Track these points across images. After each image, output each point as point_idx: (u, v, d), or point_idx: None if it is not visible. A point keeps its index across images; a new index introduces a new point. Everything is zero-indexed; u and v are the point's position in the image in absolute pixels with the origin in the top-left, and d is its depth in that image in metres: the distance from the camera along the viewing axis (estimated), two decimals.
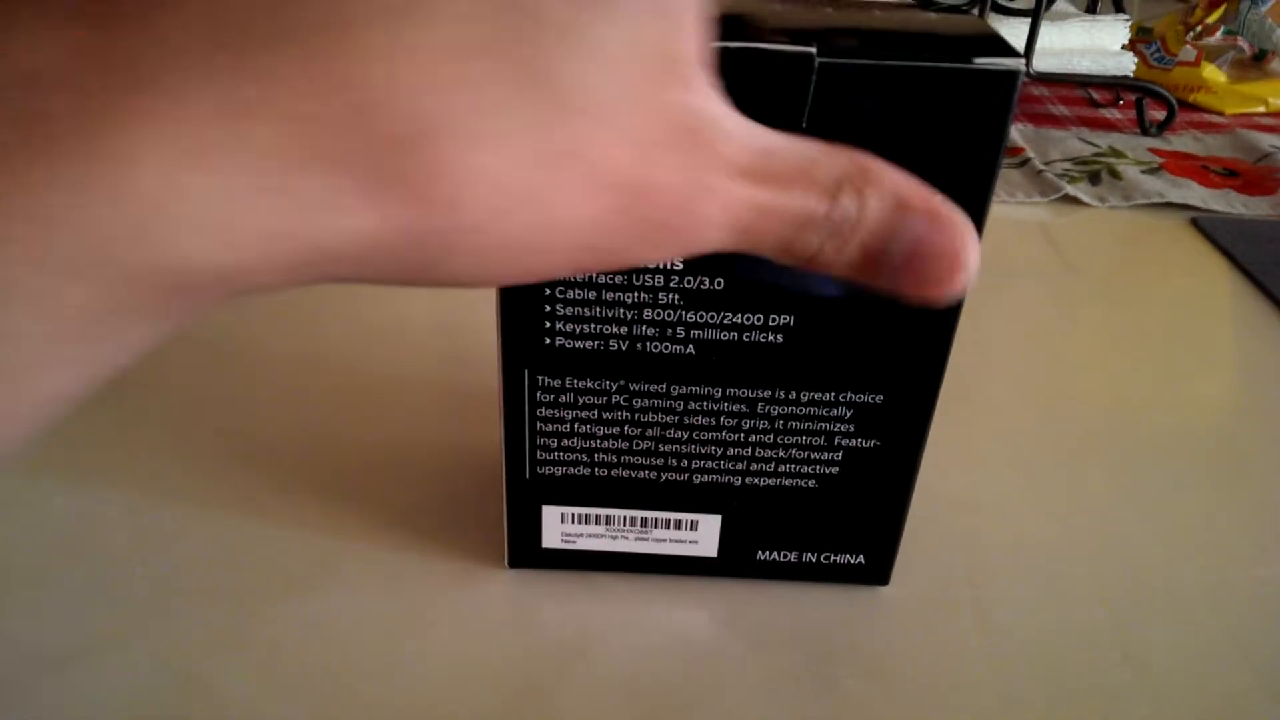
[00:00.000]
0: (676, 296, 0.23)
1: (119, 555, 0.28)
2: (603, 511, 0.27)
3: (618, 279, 0.23)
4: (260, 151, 0.12)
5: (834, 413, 0.25)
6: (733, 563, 0.28)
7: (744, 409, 0.25)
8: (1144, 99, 0.66)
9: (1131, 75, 0.66)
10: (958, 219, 0.16)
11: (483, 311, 0.40)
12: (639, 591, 0.28)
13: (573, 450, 0.26)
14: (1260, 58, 0.76)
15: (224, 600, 0.27)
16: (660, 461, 0.26)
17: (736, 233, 0.15)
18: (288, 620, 0.26)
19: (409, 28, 0.12)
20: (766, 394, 0.25)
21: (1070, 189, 0.55)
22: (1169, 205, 0.55)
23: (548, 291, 0.23)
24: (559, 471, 0.26)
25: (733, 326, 0.24)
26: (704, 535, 0.27)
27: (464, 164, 0.13)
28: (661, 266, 0.23)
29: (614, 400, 0.25)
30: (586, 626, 0.27)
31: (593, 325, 0.24)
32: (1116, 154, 0.61)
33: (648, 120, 0.14)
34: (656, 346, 0.24)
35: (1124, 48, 0.67)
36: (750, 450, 0.26)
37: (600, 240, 0.15)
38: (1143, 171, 0.58)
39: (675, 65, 0.14)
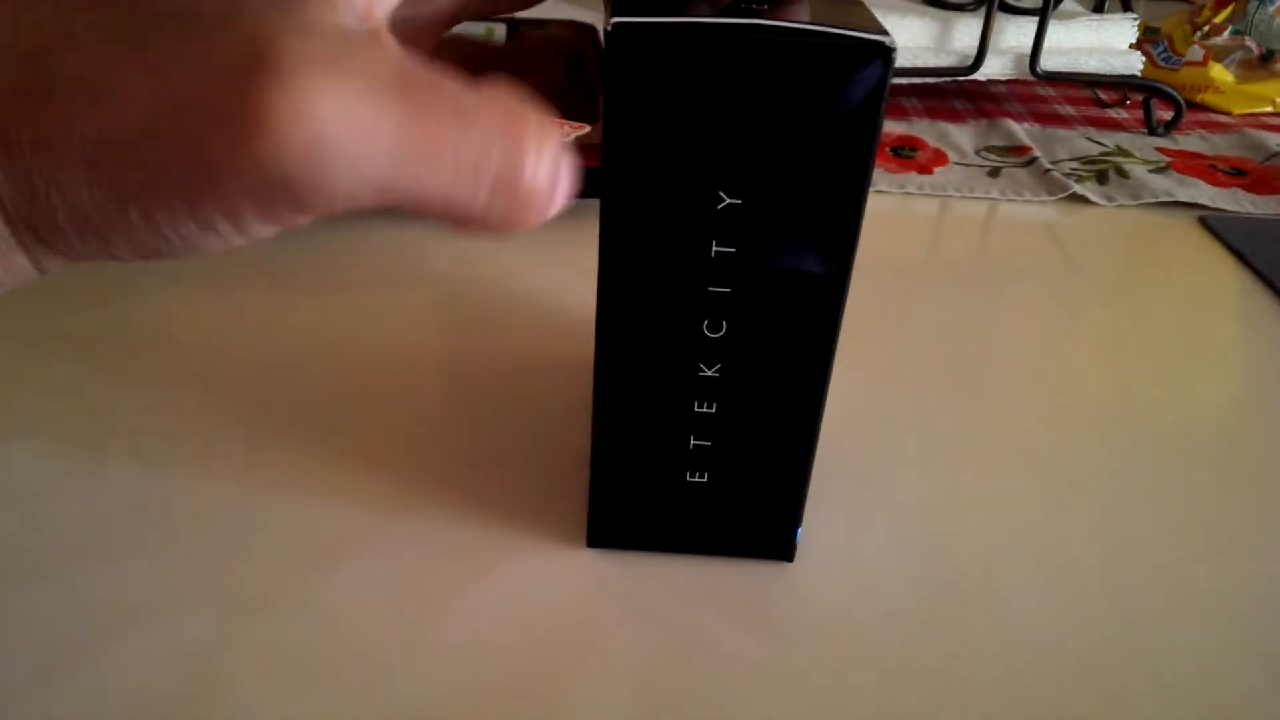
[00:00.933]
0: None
1: (181, 522, 0.28)
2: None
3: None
4: None
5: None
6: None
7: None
8: (1151, 99, 0.66)
9: (1139, 75, 0.66)
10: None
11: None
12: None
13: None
14: (1268, 58, 0.76)
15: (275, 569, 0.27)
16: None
17: (396, 163, 0.16)
18: (338, 589, 0.26)
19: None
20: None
21: (1078, 188, 0.55)
22: (1177, 204, 0.54)
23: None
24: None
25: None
26: None
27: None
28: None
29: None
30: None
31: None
32: (1124, 153, 0.61)
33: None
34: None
35: (1131, 47, 0.66)
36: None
37: None
38: (1150, 170, 0.58)
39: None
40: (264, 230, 0.16)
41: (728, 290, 0.23)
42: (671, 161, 0.22)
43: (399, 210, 0.17)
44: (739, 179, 0.22)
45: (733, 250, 0.23)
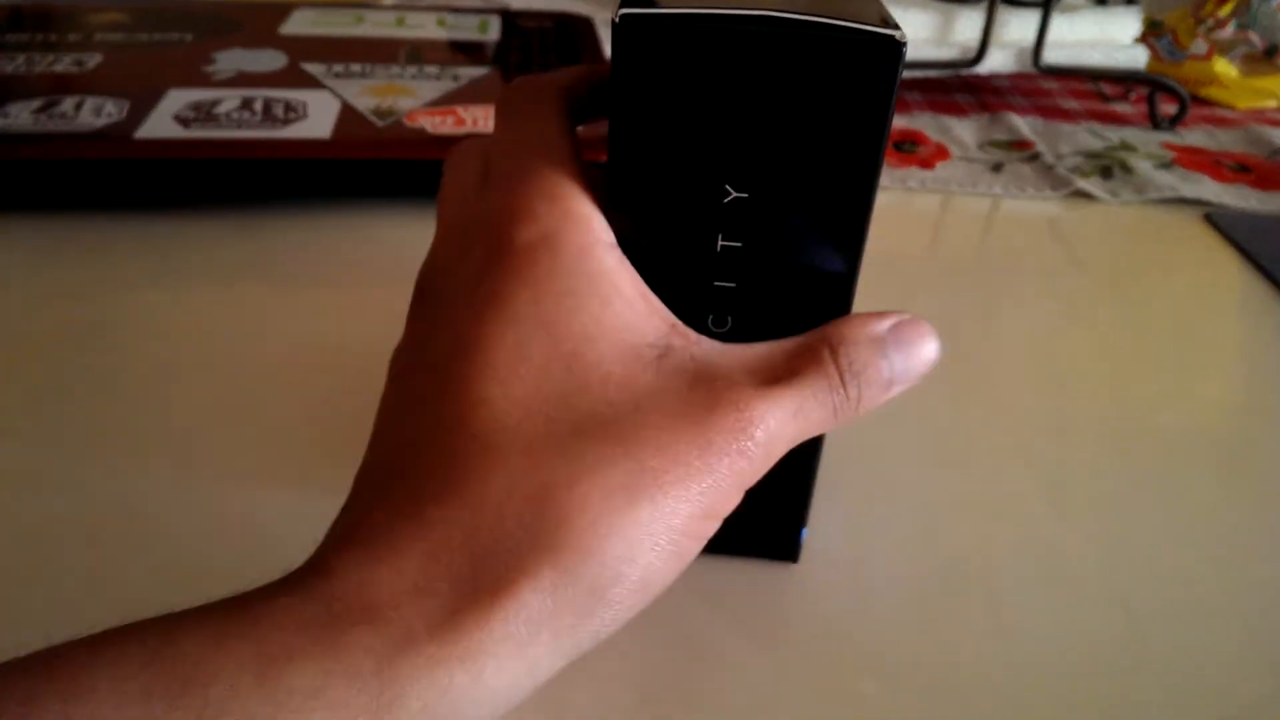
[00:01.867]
0: None
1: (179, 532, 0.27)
2: None
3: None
4: None
5: None
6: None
7: None
8: (1156, 93, 0.65)
9: (1143, 69, 0.65)
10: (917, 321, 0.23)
11: None
12: None
13: None
14: (1272, 52, 0.75)
15: None
16: None
17: (794, 423, 0.21)
18: None
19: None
20: None
21: (1082, 183, 0.54)
22: (1182, 200, 0.54)
23: None
24: None
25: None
26: None
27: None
28: None
29: None
30: None
31: None
32: (1128, 148, 0.60)
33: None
34: None
35: (1135, 41, 0.66)
36: None
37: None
38: (1155, 166, 0.57)
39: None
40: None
41: (733, 285, 0.23)
42: (677, 154, 0.21)
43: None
44: (745, 172, 0.21)
45: (739, 245, 0.22)
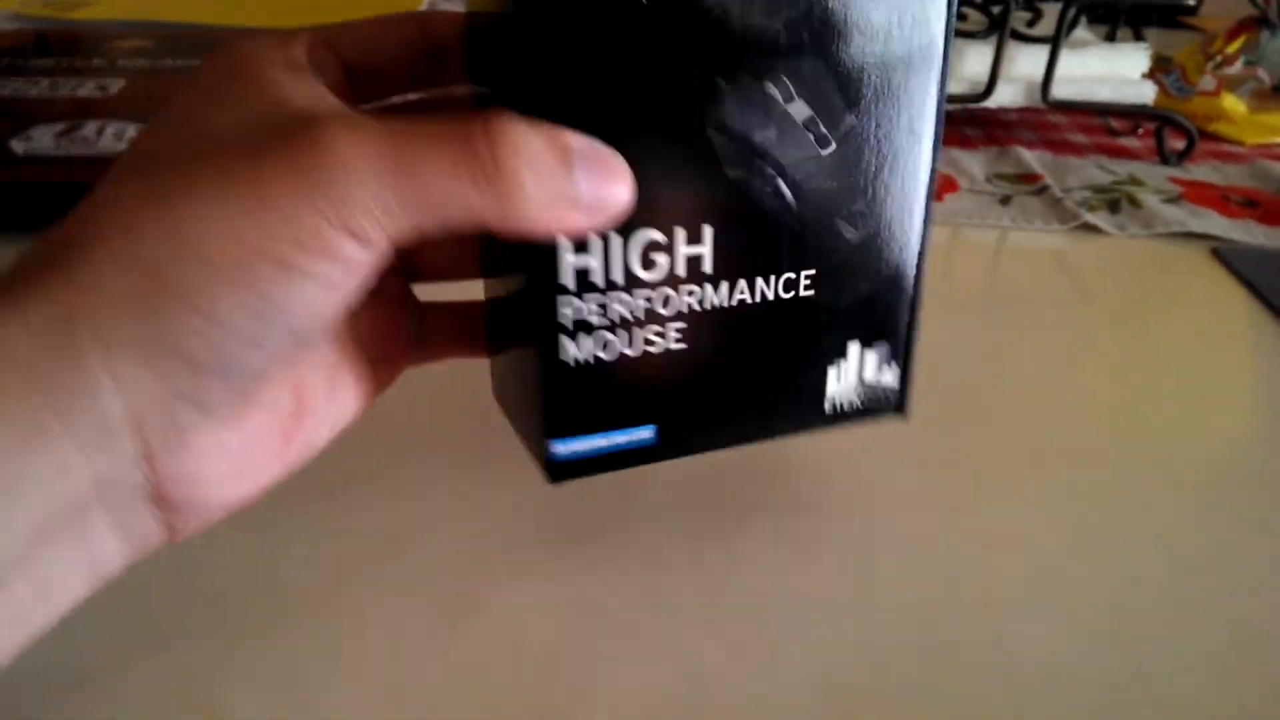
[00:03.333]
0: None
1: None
2: None
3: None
4: None
5: None
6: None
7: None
8: (1163, 128, 0.66)
9: (1151, 104, 0.66)
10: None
11: None
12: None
13: None
14: None
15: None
16: None
17: (390, 165, 0.19)
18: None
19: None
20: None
21: (1089, 217, 0.55)
22: (1189, 235, 0.54)
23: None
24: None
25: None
26: None
27: None
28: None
29: None
30: None
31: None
32: (1136, 182, 0.61)
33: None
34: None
35: (1144, 76, 0.66)
36: None
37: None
38: (1163, 200, 0.58)
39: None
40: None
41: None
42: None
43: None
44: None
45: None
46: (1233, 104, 0.71)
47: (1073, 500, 0.33)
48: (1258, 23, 0.73)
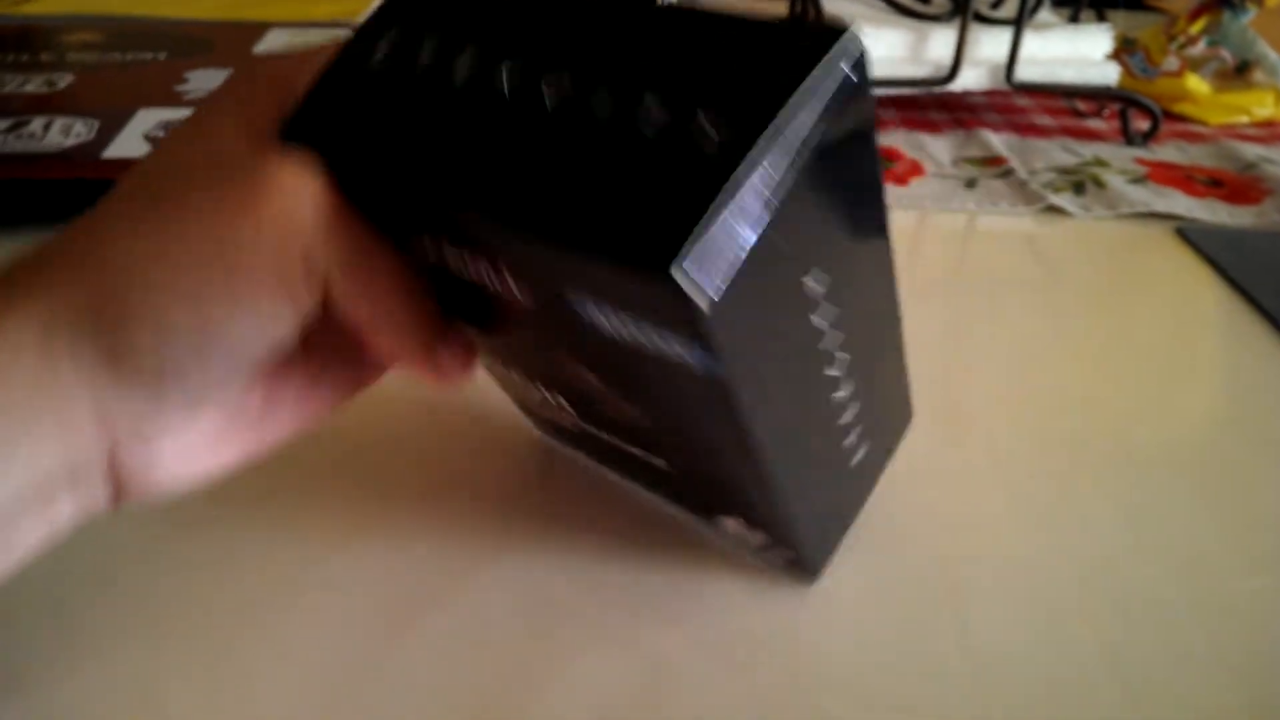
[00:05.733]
0: None
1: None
2: None
3: None
4: None
5: None
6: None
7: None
8: (1128, 109, 0.66)
9: (1115, 85, 0.66)
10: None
11: None
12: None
13: None
14: (1243, 69, 0.76)
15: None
16: None
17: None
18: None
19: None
20: None
21: (1055, 199, 0.55)
22: (1154, 215, 0.54)
23: None
24: None
25: None
26: None
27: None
28: None
29: None
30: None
31: None
32: (1101, 164, 0.61)
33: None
34: None
35: (1107, 58, 0.66)
36: None
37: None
38: (1128, 181, 0.58)
39: None
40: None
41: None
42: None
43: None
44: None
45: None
46: (1196, 84, 0.71)
47: (1039, 481, 0.33)
48: (1220, 3, 0.73)
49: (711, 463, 0.24)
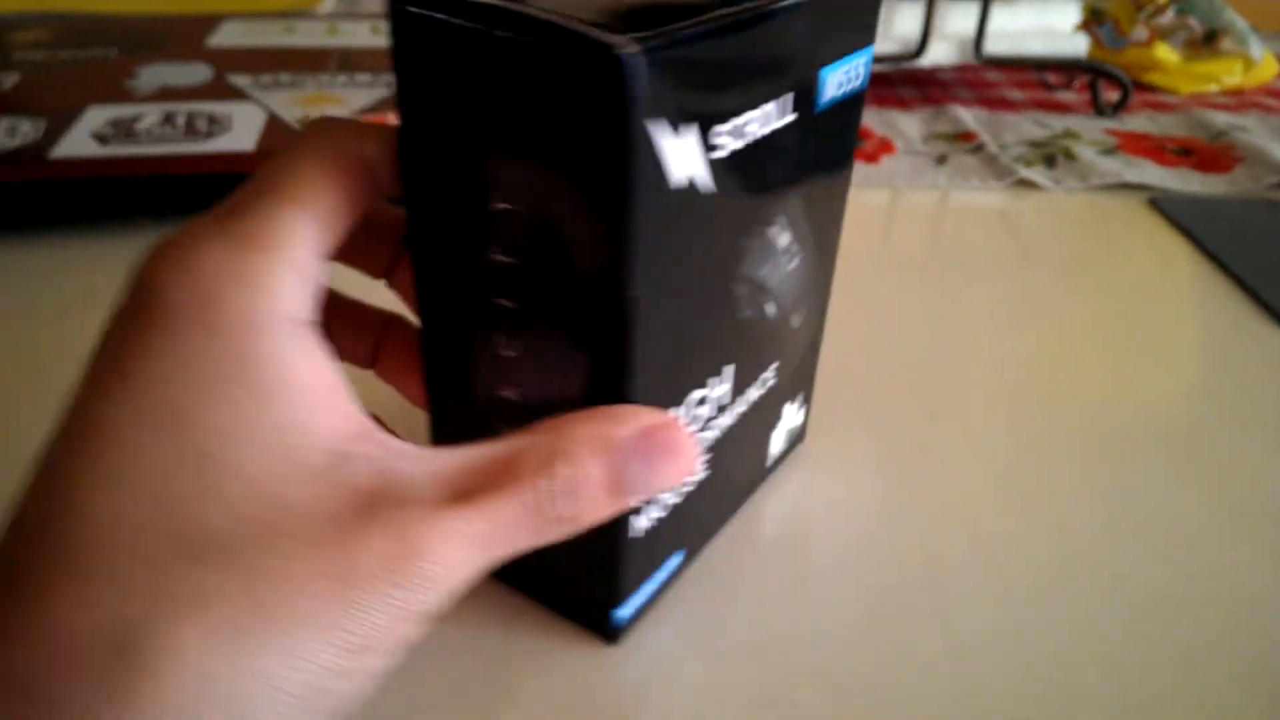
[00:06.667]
0: None
1: None
2: None
3: None
4: None
5: None
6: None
7: None
8: (1098, 80, 0.65)
9: (1085, 56, 0.65)
10: (667, 420, 0.19)
11: None
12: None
13: None
14: (1211, 37, 0.75)
15: None
16: None
17: (480, 551, 0.17)
18: None
19: None
20: None
21: (1026, 172, 0.54)
22: (1126, 186, 0.54)
23: None
24: None
25: None
26: None
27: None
28: None
29: None
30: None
31: None
32: (1072, 136, 0.60)
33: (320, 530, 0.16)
34: None
35: (1076, 29, 0.66)
36: None
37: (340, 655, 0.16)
38: (1099, 152, 0.57)
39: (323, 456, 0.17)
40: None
41: (512, 305, 0.21)
42: (446, 155, 0.20)
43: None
44: (505, 181, 0.19)
45: (513, 261, 0.20)
46: (1165, 54, 0.71)
47: (1016, 459, 0.32)
48: None
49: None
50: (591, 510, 0.18)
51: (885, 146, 0.58)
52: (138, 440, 0.16)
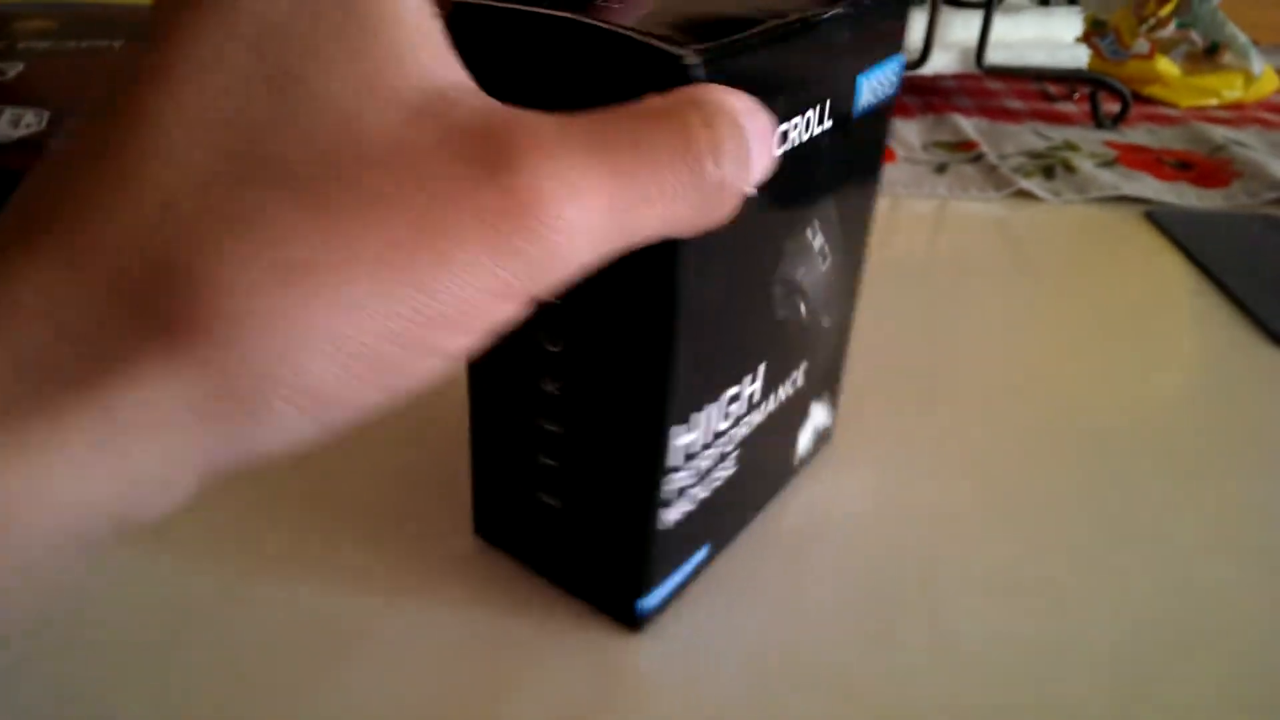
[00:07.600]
0: None
1: None
2: None
3: None
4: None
5: None
6: None
7: None
8: (1098, 92, 0.66)
9: (1085, 68, 0.66)
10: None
11: None
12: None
13: None
14: (1212, 51, 0.76)
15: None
16: None
17: (612, 220, 0.14)
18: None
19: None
20: None
21: (1024, 183, 0.54)
22: (1123, 199, 0.54)
23: None
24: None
25: None
26: None
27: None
28: None
29: None
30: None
31: None
32: (1071, 147, 0.60)
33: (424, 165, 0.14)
34: None
35: (1078, 40, 0.66)
36: None
37: (441, 327, 0.14)
38: (1097, 165, 0.58)
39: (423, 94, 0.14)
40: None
41: (558, 349, 0.22)
42: None
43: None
44: None
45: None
46: (1166, 67, 0.71)
47: (1010, 467, 0.33)
48: None
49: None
50: (735, 188, 0.16)
51: (886, 154, 0.58)
52: (221, 50, 0.14)
